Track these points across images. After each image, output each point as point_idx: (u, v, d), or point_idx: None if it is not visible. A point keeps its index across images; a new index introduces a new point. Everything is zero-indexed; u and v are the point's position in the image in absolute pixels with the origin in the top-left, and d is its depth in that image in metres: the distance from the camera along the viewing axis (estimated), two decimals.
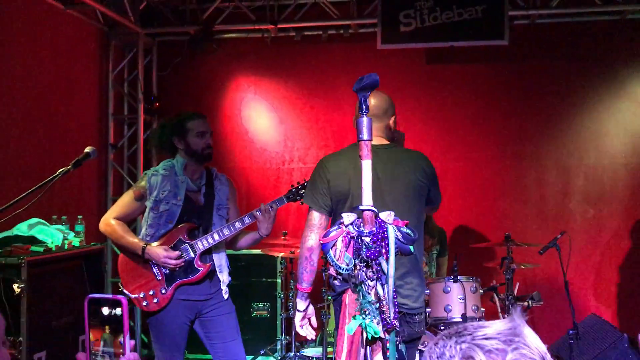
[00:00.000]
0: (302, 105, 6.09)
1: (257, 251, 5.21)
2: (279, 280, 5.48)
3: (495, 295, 4.69)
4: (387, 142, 2.92)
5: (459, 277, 4.22)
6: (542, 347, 0.90)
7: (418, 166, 2.86)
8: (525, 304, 4.71)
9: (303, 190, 3.40)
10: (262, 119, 6.16)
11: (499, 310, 4.70)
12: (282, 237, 5.02)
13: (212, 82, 6.19)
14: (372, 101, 2.88)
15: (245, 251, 5.11)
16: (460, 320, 4.15)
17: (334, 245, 1.72)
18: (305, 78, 6.07)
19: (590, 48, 5.66)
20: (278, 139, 6.12)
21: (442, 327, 4.30)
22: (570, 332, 4.38)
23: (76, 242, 3.89)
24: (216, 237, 3.28)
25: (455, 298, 4.18)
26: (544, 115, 5.71)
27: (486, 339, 0.88)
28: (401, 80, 5.92)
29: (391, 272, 1.67)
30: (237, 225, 3.29)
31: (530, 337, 0.90)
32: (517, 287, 4.68)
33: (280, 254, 4.99)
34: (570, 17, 5.57)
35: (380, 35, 5.44)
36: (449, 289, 4.20)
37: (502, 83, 5.82)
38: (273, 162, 6.11)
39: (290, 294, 5.00)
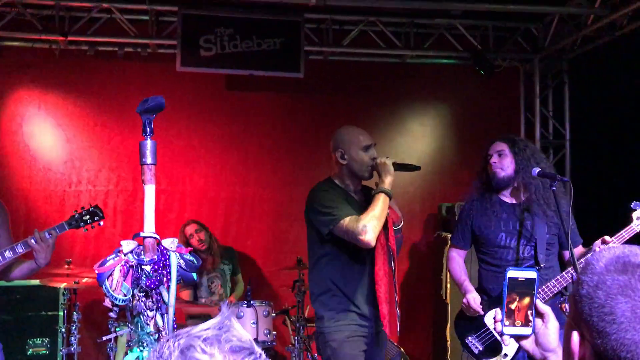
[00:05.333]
0: (93, 124, 5.72)
1: (35, 282, 4.72)
2: (60, 313, 5.01)
3: (287, 318, 4.83)
4: (323, 179, 3.17)
5: (252, 302, 4.27)
6: (249, 337, 0.98)
7: (307, 203, 3.10)
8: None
9: (88, 217, 3.17)
10: (46, 137, 5.65)
11: (291, 332, 4.84)
12: (66, 266, 4.62)
13: None
14: None
15: (20, 282, 4.61)
16: None
17: (111, 275, 1.62)
18: (98, 95, 5.72)
19: (376, 86, 6.19)
20: (64, 158, 5.66)
21: None
22: None
23: None
24: None
25: (248, 323, 4.22)
26: None
27: (202, 330, 0.94)
28: (201, 104, 5.89)
29: (172, 301, 1.62)
30: (8, 254, 2.95)
31: (239, 328, 0.98)
32: (307, 309, 4.86)
33: (63, 285, 4.59)
34: (358, 57, 6.05)
35: (180, 57, 5.36)
36: (242, 314, 4.23)
37: (297, 113, 6.09)
38: (58, 183, 5.62)
39: (73, 327, 4.60)
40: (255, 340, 4.17)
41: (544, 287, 3.10)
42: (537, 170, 3.21)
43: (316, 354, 4.82)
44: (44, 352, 4.98)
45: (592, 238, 3.36)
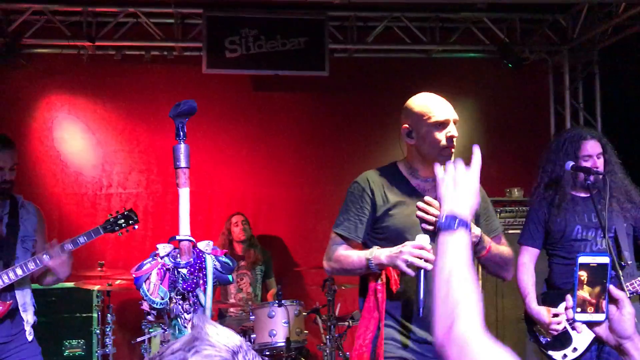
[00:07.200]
0: (122, 128, 5.79)
1: (70, 284, 4.80)
2: (95, 315, 5.09)
3: (318, 317, 4.82)
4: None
5: (283, 301, 4.28)
6: (234, 342, 0.90)
7: None
8: (346, 323, 4.90)
9: (122, 220, 3.20)
10: (76, 141, 5.74)
11: (322, 331, 4.83)
12: (99, 269, 4.69)
13: (20, 100, 5.65)
14: None
15: (55, 285, 4.71)
16: (284, 344, 4.19)
17: (148, 278, 1.63)
18: (126, 99, 5.79)
19: (402, 82, 6.12)
20: (95, 162, 5.74)
21: (267, 353, 4.31)
22: None
23: None
24: (19, 272, 2.96)
25: (280, 322, 4.22)
26: (362, 143, 6.05)
27: (171, 353, 0.88)
28: (227, 105, 5.92)
29: (208, 303, 1.63)
30: (19, 271, 2.99)
31: (216, 336, 0.89)
32: (338, 307, 4.85)
33: (97, 287, 4.66)
34: (383, 53, 6.02)
35: (206, 59, 5.40)
36: (274, 313, 4.23)
37: (323, 111, 6.08)
38: (89, 187, 5.71)
39: (107, 329, 4.67)
40: (287, 339, 4.18)
41: (633, 281, 2.95)
42: (570, 163, 3.14)
43: (347, 353, 4.80)
44: (80, 353, 5.07)
45: None
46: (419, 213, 2.18)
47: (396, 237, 2.28)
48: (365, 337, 2.28)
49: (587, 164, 3.14)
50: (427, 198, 2.21)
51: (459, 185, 1.41)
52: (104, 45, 5.56)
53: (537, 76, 6.14)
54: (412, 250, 2.12)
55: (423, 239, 2.14)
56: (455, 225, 1.30)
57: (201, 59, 5.40)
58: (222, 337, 0.89)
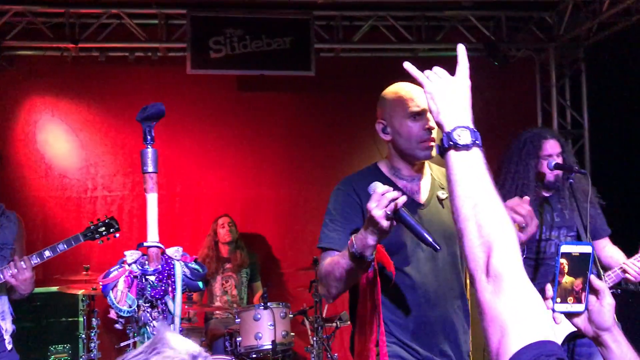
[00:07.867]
0: (106, 130, 5.74)
1: (54, 289, 4.76)
2: (80, 319, 5.04)
3: (305, 319, 4.79)
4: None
5: (269, 304, 4.24)
6: (194, 349, 0.92)
7: None
8: (334, 324, 4.87)
9: (103, 228, 3.17)
10: (60, 144, 5.69)
11: (309, 333, 4.80)
12: (84, 272, 4.64)
13: (2, 102, 5.59)
14: None
15: (39, 289, 4.66)
16: (270, 347, 4.15)
17: (115, 286, 1.59)
18: (111, 101, 5.74)
19: (389, 81, 6.05)
20: (79, 165, 5.69)
21: (254, 356, 4.27)
22: None
23: None
24: None
25: (266, 325, 4.19)
26: (349, 143, 6.01)
27: (133, 356, 0.91)
28: (213, 106, 5.88)
29: (177, 311, 1.60)
30: (6, 274, 2.93)
31: (176, 341, 0.92)
32: (325, 308, 4.82)
33: (81, 291, 4.61)
34: (370, 53, 5.99)
35: (190, 60, 5.35)
36: (259, 316, 4.20)
37: (310, 111, 6.04)
38: (74, 190, 5.65)
39: (93, 334, 4.62)
40: (273, 342, 4.14)
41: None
42: (553, 162, 3.12)
43: (335, 354, 4.78)
44: (66, 358, 5.02)
45: (613, 227, 3.30)
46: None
47: (389, 244, 2.01)
48: (369, 340, 2.03)
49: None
50: (515, 198, 2.03)
51: (453, 95, 1.20)
52: (87, 46, 5.51)
53: (523, 74, 6.13)
54: (379, 202, 1.83)
55: (376, 185, 1.90)
56: (470, 140, 1.13)
57: (185, 60, 5.36)
58: (183, 343, 0.93)
